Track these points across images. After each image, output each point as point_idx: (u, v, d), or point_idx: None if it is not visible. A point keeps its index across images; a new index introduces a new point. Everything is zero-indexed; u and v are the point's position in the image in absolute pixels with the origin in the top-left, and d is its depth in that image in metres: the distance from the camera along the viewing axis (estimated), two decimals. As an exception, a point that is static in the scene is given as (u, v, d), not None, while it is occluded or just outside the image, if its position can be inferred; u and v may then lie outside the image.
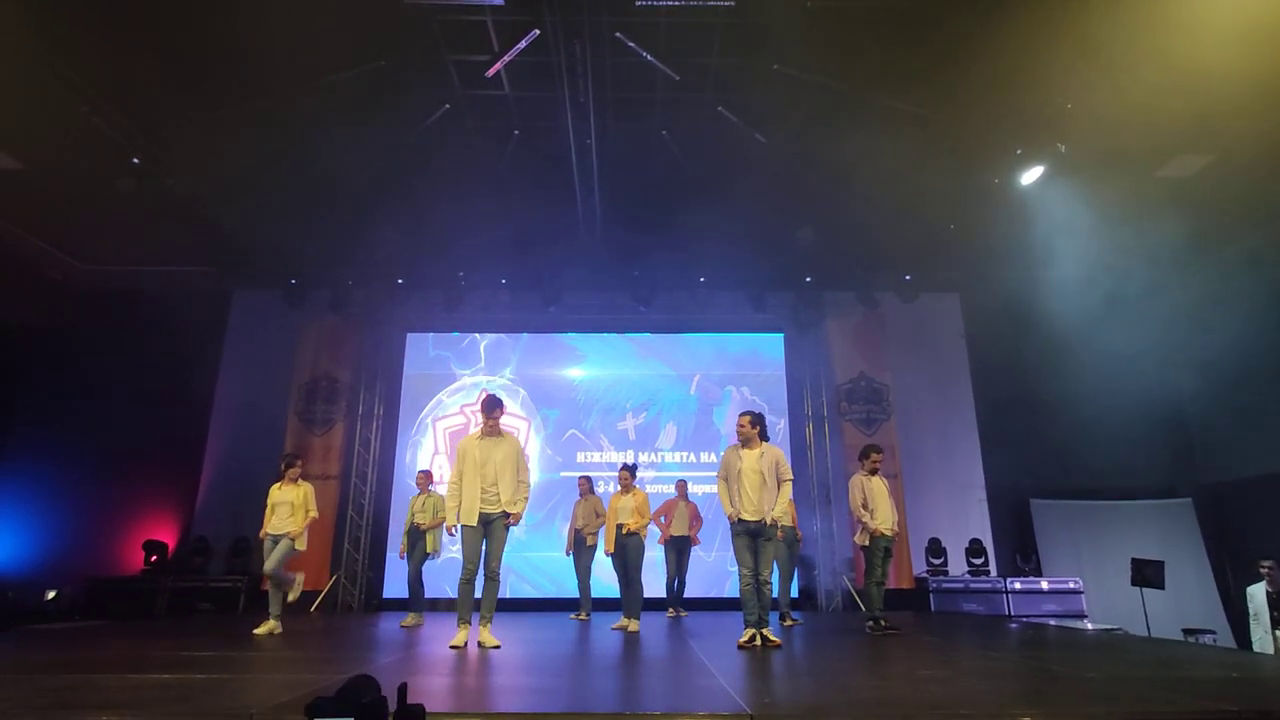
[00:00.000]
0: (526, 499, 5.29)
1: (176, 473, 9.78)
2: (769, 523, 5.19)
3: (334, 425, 10.11)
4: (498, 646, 4.95)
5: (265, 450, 8.95)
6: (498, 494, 5.14)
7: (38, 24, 5.96)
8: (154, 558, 9.08)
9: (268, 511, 6.16)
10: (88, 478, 8.40)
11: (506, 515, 5.16)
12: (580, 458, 10.10)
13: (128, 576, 9.01)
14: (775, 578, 6.06)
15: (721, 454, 5.49)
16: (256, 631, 5.79)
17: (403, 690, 1.02)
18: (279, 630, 5.90)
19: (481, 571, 5.11)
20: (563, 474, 9.99)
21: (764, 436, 5.43)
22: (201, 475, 9.89)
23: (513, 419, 9.96)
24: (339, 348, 10.33)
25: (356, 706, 0.97)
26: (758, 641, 4.98)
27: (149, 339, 8.63)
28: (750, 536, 5.18)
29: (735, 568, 5.34)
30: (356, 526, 9.73)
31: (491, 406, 5.30)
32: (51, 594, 8.05)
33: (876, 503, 6.22)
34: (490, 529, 5.12)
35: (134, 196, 7.43)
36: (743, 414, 5.42)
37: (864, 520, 6.17)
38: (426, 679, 3.70)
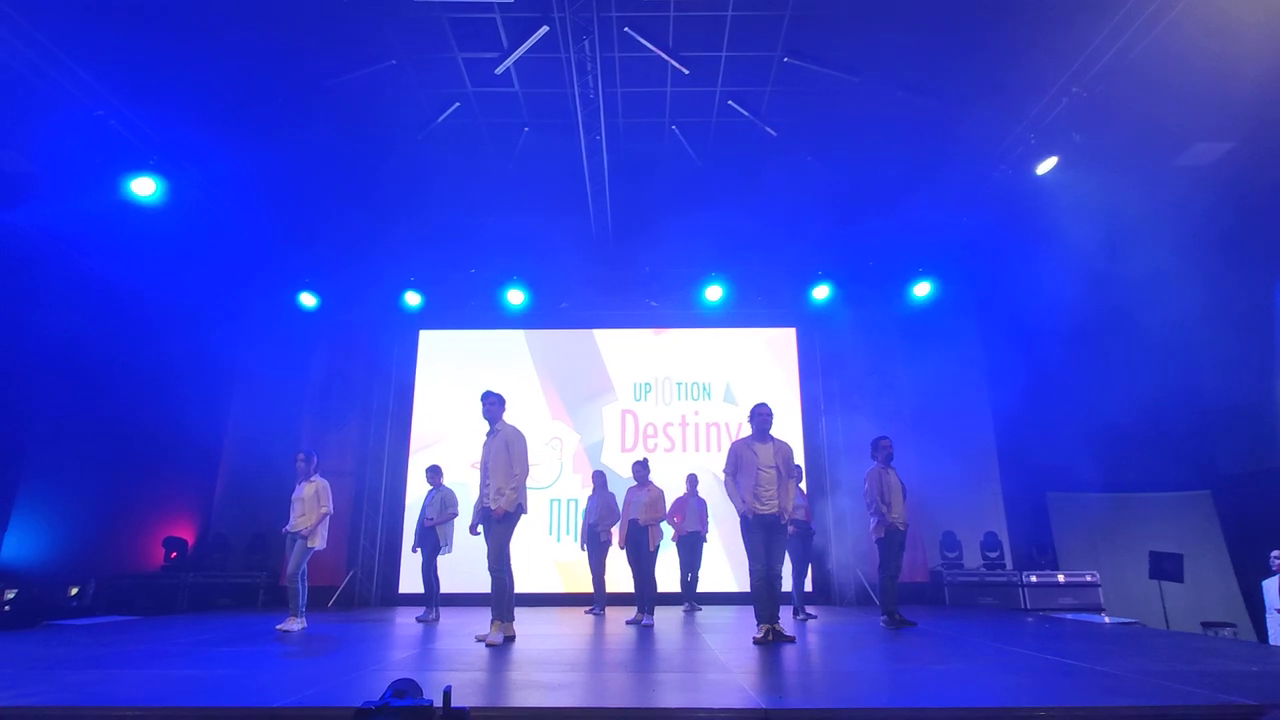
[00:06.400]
0: (513, 490, 5.14)
1: (194, 470, 9.90)
2: (785, 518, 5.19)
3: (348, 422, 10.20)
4: (491, 644, 4.86)
5: (281, 447, 9.02)
6: (489, 489, 5.18)
7: (52, 28, 6.02)
8: (174, 554, 9.21)
9: (290, 508, 6.31)
10: (107, 476, 8.51)
11: (489, 511, 5.16)
12: (593, 453, 10.12)
13: (149, 573, 9.15)
14: (786, 571, 6.06)
15: (730, 448, 5.45)
16: (280, 627, 5.87)
17: (447, 695, 1.04)
18: (303, 625, 5.99)
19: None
20: (576, 470, 10.02)
21: None
22: (218, 472, 10.03)
23: (520, 416, 10.00)
24: (352, 345, 10.40)
25: (405, 712, 0.98)
26: (771, 637, 4.99)
27: (166, 339, 8.73)
28: (765, 531, 5.17)
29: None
30: (371, 522, 9.81)
31: (482, 400, 5.39)
32: (74, 590, 8.18)
33: (892, 496, 6.20)
34: (489, 525, 5.20)
35: (149, 198, 7.51)
36: (758, 408, 5.39)
37: (882, 513, 6.16)
38: (442, 674, 3.74)
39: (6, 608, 7.07)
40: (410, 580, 9.42)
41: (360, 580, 9.57)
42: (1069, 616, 7.68)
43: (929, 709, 2.78)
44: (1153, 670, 3.68)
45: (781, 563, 5.24)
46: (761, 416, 5.35)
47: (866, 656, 4.40)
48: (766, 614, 5.06)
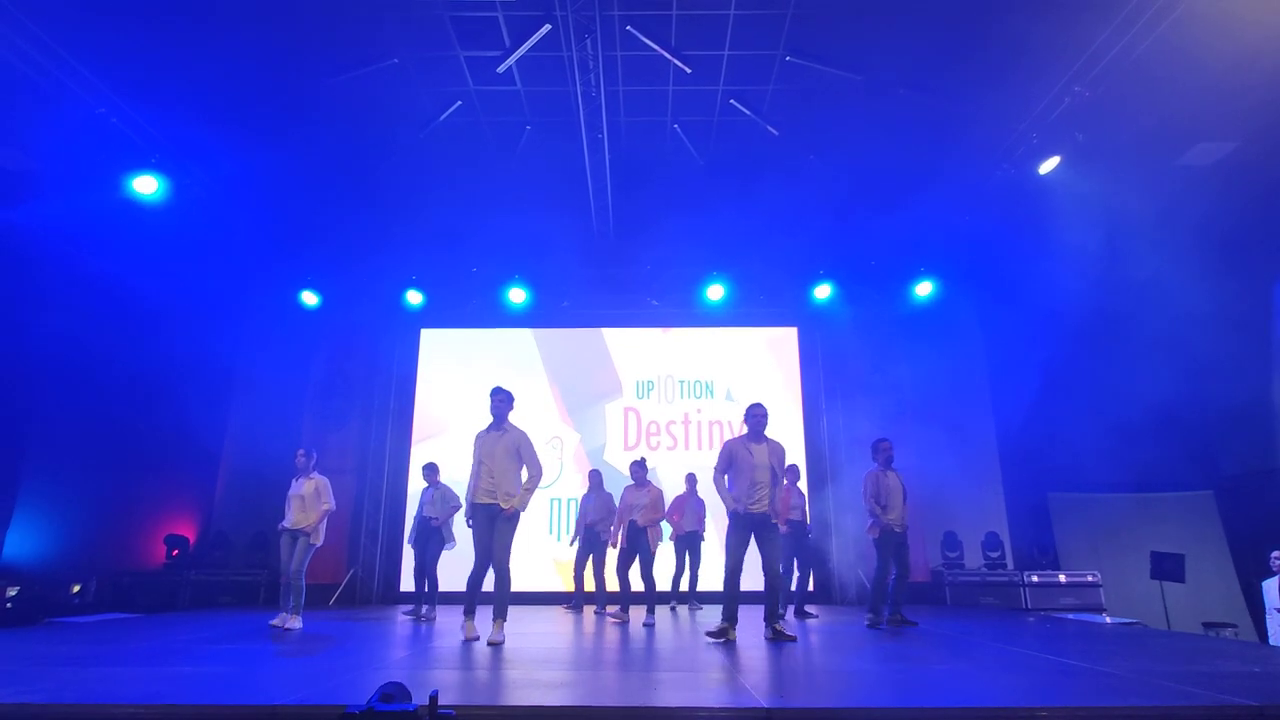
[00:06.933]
0: (530, 491, 5.19)
1: (195, 468, 9.91)
2: (775, 517, 5.19)
3: (349, 421, 10.20)
4: (497, 643, 4.84)
5: (282, 446, 9.03)
6: (496, 487, 5.15)
7: (54, 25, 6.03)
8: (175, 552, 9.23)
9: (287, 505, 6.27)
10: (109, 473, 8.52)
11: (500, 509, 5.11)
12: (595, 451, 10.12)
13: (150, 570, 9.16)
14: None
15: (723, 446, 5.45)
16: (287, 626, 5.87)
17: (434, 699, 1.03)
18: (299, 625, 5.98)
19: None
20: (578, 469, 10.02)
21: None
22: (219, 470, 10.04)
23: (522, 414, 10.01)
24: (354, 344, 10.41)
25: (390, 716, 0.98)
26: (725, 637, 5.02)
27: (168, 337, 8.74)
28: (755, 530, 5.19)
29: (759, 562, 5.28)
30: (373, 520, 9.82)
31: (492, 396, 5.35)
32: (76, 588, 8.20)
33: (890, 499, 6.21)
34: (492, 523, 5.14)
35: (151, 196, 7.52)
36: (754, 408, 5.41)
37: (876, 515, 6.19)
38: (442, 673, 3.74)
39: (9, 605, 7.08)
40: (412, 578, 9.42)
41: (361, 579, 9.57)
42: (1070, 616, 7.67)
43: (930, 709, 2.78)
44: (1154, 671, 3.67)
45: (780, 561, 5.24)
46: (757, 417, 5.38)
47: (868, 656, 4.39)
48: (730, 613, 5.12)
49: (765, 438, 5.36)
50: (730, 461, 5.33)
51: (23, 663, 4.02)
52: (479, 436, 5.35)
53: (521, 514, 5.26)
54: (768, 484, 5.21)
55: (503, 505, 5.10)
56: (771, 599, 5.17)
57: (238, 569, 9.27)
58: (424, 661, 4.17)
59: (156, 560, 9.27)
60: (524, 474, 5.27)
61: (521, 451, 5.25)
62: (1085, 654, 4.33)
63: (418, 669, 3.87)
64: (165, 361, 8.68)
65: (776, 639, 4.98)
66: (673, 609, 7.91)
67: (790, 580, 7.39)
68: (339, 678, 3.51)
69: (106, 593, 8.46)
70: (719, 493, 5.35)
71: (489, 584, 5.17)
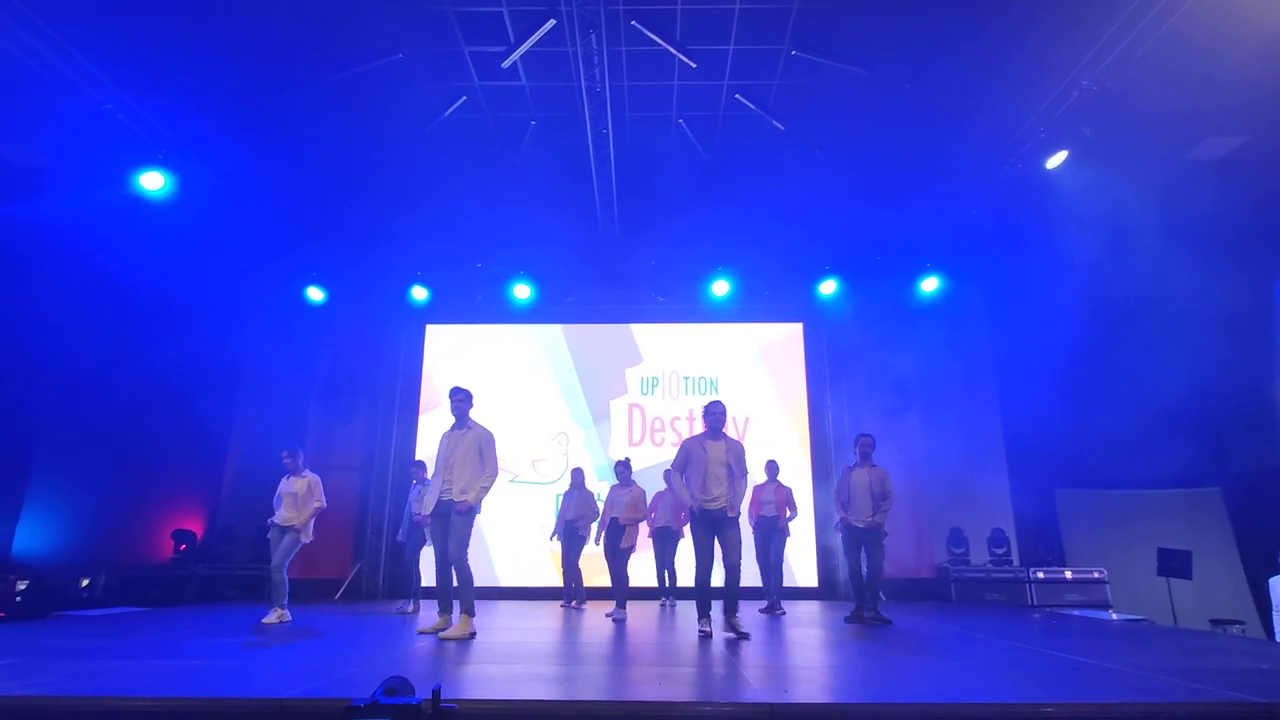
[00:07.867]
0: (485, 489, 5.20)
1: (202, 463, 9.95)
2: (732, 512, 5.23)
3: (355, 416, 10.23)
4: (471, 636, 4.88)
5: (287, 441, 9.03)
6: (452, 484, 5.17)
7: (59, 20, 6.04)
8: (182, 546, 9.28)
9: (277, 500, 6.35)
10: (117, 468, 8.57)
11: (454, 504, 5.12)
12: (600, 448, 10.12)
13: (158, 565, 9.22)
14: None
15: (681, 445, 5.50)
16: (267, 620, 5.92)
17: (436, 693, 1.04)
18: (288, 618, 6.03)
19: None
20: (583, 465, 10.02)
21: None
22: (226, 465, 10.08)
23: (527, 411, 10.03)
24: (359, 340, 10.42)
25: (394, 710, 0.98)
26: (701, 629, 5.07)
27: (175, 333, 8.77)
28: (712, 526, 5.22)
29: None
30: (378, 516, 9.84)
31: (451, 395, 5.38)
32: (85, 582, 8.26)
33: (852, 495, 6.34)
34: (446, 520, 5.17)
35: (157, 192, 7.54)
36: (711, 406, 5.43)
37: (837, 510, 6.40)
38: (445, 667, 3.75)
39: (18, 598, 7.14)
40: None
41: (366, 574, 9.61)
42: (1076, 613, 7.64)
43: (934, 704, 2.77)
44: (1160, 667, 3.66)
45: (739, 555, 5.24)
46: (715, 415, 5.41)
47: (872, 651, 4.39)
48: (707, 607, 5.22)
49: (723, 435, 5.42)
50: (687, 460, 5.38)
51: (32, 655, 4.05)
52: (443, 437, 5.36)
53: (477, 511, 5.25)
54: (724, 480, 5.25)
55: (455, 500, 5.12)
56: (729, 595, 5.15)
57: (244, 564, 9.31)
58: (427, 656, 4.18)
59: (164, 555, 9.33)
60: (478, 473, 5.27)
61: (483, 450, 5.27)
62: (1091, 650, 4.31)
63: (421, 663, 3.88)
64: (172, 357, 8.71)
65: (737, 637, 4.96)
66: (663, 605, 7.89)
67: (769, 575, 7.35)
68: (343, 671, 3.52)
69: (115, 587, 8.52)
70: (676, 490, 5.46)
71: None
